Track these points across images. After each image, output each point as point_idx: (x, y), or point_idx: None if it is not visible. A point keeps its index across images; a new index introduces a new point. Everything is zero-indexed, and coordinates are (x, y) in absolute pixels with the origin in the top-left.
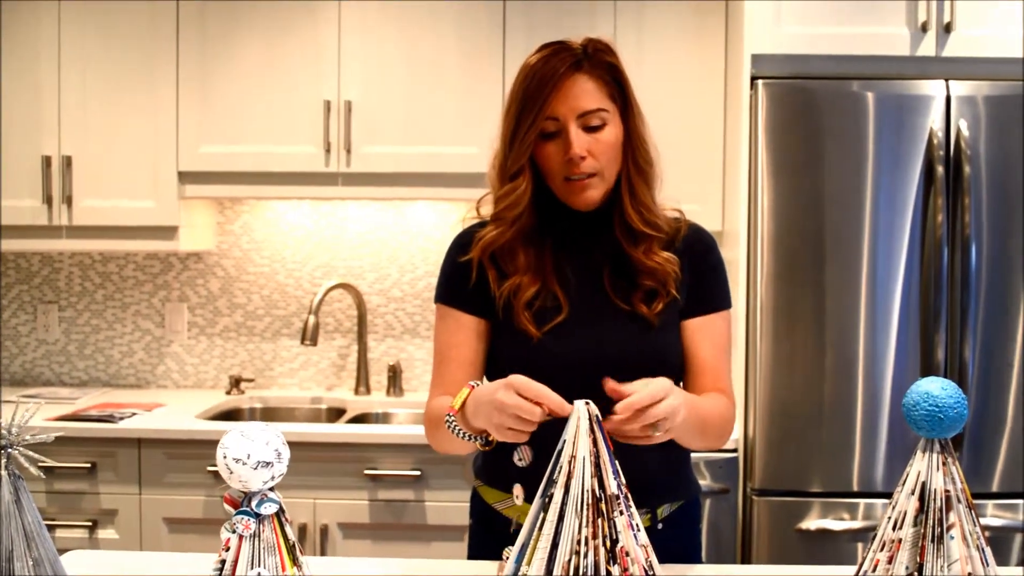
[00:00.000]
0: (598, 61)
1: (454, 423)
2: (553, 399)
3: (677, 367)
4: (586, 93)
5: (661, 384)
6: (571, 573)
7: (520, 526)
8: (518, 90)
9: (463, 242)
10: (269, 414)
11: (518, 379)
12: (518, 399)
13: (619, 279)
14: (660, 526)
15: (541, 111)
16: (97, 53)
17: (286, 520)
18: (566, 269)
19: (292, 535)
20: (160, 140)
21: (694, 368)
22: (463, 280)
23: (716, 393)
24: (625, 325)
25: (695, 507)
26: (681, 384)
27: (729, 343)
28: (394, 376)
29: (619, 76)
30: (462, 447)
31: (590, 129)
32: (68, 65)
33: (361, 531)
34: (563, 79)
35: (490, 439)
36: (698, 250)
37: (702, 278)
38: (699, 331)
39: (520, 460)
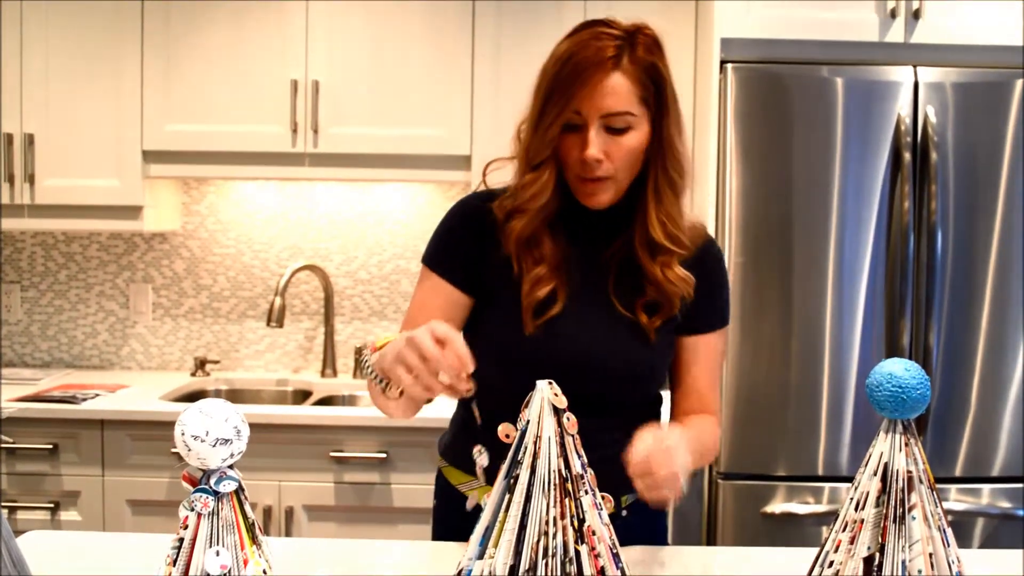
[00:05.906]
0: (640, 59)
1: (367, 359)
2: (465, 360)
3: (661, 381)
4: (616, 94)
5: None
6: (540, 553)
7: (478, 506)
8: (550, 73)
9: (465, 211)
10: (235, 396)
11: (441, 326)
12: (430, 343)
13: (625, 283)
14: (624, 513)
15: (567, 105)
16: (60, 30)
17: (245, 498)
18: (573, 263)
19: (251, 513)
20: (124, 118)
21: (684, 386)
22: (454, 249)
23: (704, 416)
24: (621, 333)
25: None
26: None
27: (723, 358)
28: (361, 359)
29: (659, 78)
30: (395, 407)
31: (613, 131)
32: (30, 42)
33: (327, 513)
34: (596, 73)
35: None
36: (709, 265)
37: (708, 296)
38: (695, 349)
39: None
